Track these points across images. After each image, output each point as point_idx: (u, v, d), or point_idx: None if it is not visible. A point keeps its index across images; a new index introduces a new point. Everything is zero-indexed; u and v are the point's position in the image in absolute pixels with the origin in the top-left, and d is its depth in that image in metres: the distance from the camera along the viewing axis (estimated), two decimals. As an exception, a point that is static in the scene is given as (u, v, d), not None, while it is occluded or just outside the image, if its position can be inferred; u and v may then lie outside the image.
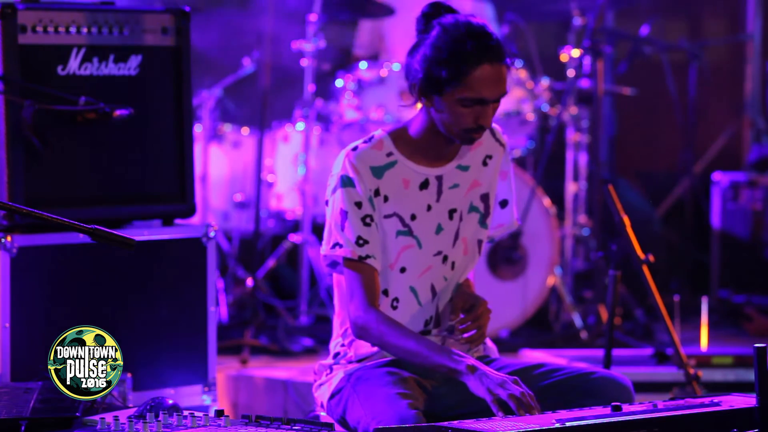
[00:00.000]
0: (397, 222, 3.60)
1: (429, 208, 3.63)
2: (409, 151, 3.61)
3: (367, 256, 3.54)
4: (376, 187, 3.57)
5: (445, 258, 3.66)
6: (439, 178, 3.64)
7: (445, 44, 3.46)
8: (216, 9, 7.41)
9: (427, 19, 3.55)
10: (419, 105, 3.62)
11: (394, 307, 3.62)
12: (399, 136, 3.62)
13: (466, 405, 3.45)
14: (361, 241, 3.54)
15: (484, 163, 3.70)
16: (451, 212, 3.66)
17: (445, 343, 3.67)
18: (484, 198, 3.71)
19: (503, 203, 3.77)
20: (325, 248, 3.60)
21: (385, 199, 3.59)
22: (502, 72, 3.48)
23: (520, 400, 3.28)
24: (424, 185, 3.62)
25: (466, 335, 3.60)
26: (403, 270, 3.62)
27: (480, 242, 3.72)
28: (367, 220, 3.56)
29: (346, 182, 3.56)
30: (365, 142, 3.61)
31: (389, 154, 3.60)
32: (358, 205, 3.55)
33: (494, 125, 3.73)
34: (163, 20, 4.34)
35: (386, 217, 3.60)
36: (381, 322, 3.52)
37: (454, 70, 3.45)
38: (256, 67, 7.18)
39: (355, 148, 3.59)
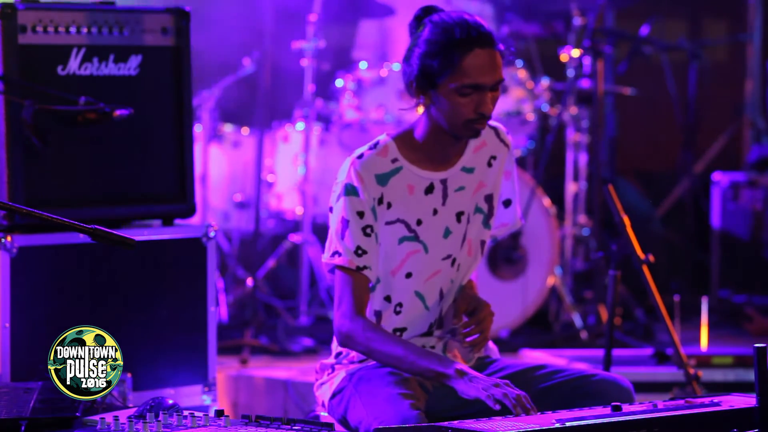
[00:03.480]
0: (402, 228, 3.59)
1: (435, 212, 3.62)
2: (415, 156, 3.60)
3: (364, 267, 3.54)
4: (379, 195, 3.56)
5: (454, 261, 3.65)
6: (444, 182, 3.63)
7: (436, 36, 3.48)
8: (216, 9, 7.40)
9: (419, 21, 3.57)
10: (420, 109, 3.61)
11: (398, 312, 3.62)
12: (404, 140, 3.61)
13: (467, 406, 3.44)
14: (359, 251, 3.54)
15: (489, 164, 3.70)
16: (459, 215, 3.65)
17: (446, 346, 3.67)
18: (489, 199, 3.70)
19: (507, 203, 3.77)
20: (326, 256, 3.60)
21: (389, 206, 3.58)
22: (494, 56, 3.49)
23: (518, 399, 3.28)
24: (429, 190, 3.62)
25: (468, 339, 3.60)
26: (408, 275, 3.61)
27: (483, 243, 3.72)
28: (368, 230, 3.55)
29: (349, 191, 3.55)
30: (370, 148, 3.59)
31: (394, 160, 3.59)
32: (360, 214, 3.54)
33: (498, 125, 3.73)
34: (163, 20, 4.34)
35: (388, 223, 3.58)
36: (367, 329, 3.51)
37: (446, 58, 3.45)
38: (256, 67, 7.18)
39: (360, 156, 3.57)
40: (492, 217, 3.71)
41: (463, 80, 3.46)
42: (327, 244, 3.60)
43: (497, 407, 3.26)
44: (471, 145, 3.66)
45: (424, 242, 3.61)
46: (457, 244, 3.65)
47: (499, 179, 3.72)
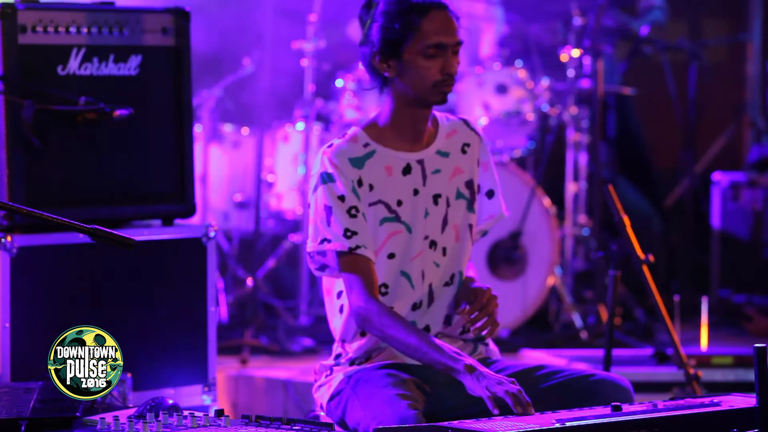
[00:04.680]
0: (383, 209, 3.62)
1: (416, 192, 3.66)
2: (385, 139, 3.67)
3: (357, 247, 3.56)
4: (357, 177, 3.60)
5: (433, 243, 3.67)
6: (421, 162, 3.68)
7: (392, 6, 3.60)
8: (216, 9, 7.41)
9: (368, 5, 3.67)
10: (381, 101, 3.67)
11: (383, 293, 3.63)
12: (372, 128, 3.69)
13: (466, 407, 3.45)
14: (348, 233, 3.56)
15: (463, 151, 3.75)
16: (436, 197, 3.68)
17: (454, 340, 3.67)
18: (469, 185, 3.74)
19: (490, 194, 3.79)
20: (311, 245, 3.61)
21: (371, 187, 3.61)
22: (451, 18, 3.62)
23: (517, 398, 3.28)
24: (407, 170, 3.66)
25: (477, 325, 3.59)
26: (391, 256, 3.63)
27: (470, 226, 3.74)
28: (353, 211, 3.58)
29: (326, 179, 3.59)
30: (340, 138, 3.66)
31: (366, 145, 3.64)
32: (341, 198, 3.58)
33: (467, 118, 3.79)
34: (163, 20, 4.34)
35: (371, 205, 3.62)
36: (382, 314, 3.53)
37: (406, 23, 3.57)
38: (256, 67, 7.18)
39: (330, 145, 3.64)
40: (474, 201, 3.74)
41: (426, 41, 3.57)
42: (311, 234, 3.62)
43: (496, 411, 3.27)
44: (443, 131, 3.72)
45: (406, 222, 3.64)
46: (437, 226, 3.67)
47: (475, 167, 3.75)
